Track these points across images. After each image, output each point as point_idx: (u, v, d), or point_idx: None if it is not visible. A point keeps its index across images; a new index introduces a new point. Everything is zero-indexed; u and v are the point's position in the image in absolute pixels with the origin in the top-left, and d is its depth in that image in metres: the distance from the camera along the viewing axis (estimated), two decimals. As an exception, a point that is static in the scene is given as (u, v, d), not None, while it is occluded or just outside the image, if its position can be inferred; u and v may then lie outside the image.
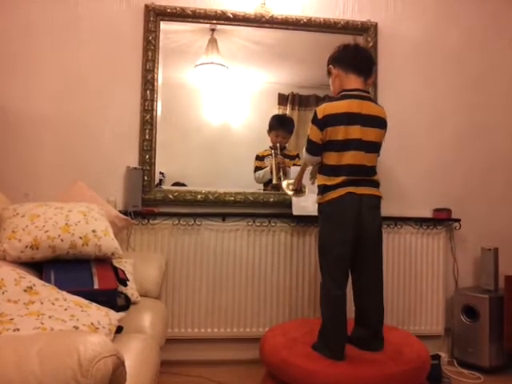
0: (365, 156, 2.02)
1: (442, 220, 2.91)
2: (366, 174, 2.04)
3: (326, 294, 2.03)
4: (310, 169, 2.36)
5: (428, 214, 2.94)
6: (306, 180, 2.43)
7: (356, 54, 2.14)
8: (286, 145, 2.98)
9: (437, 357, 2.53)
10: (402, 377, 1.90)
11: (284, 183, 2.54)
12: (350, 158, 2.00)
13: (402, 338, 2.21)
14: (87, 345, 0.86)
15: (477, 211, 3.02)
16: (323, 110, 2.04)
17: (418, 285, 2.88)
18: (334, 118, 2.01)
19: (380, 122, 2.08)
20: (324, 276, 2.05)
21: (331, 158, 2.04)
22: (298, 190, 2.48)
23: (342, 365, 1.92)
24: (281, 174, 2.88)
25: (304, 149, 2.16)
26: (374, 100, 2.13)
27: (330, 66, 2.17)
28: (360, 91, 2.07)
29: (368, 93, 2.12)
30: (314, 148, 2.09)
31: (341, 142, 2.00)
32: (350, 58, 2.12)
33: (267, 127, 2.95)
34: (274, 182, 2.88)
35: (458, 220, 2.92)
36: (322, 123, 2.02)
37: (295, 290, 2.77)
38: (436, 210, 2.93)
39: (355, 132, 2.00)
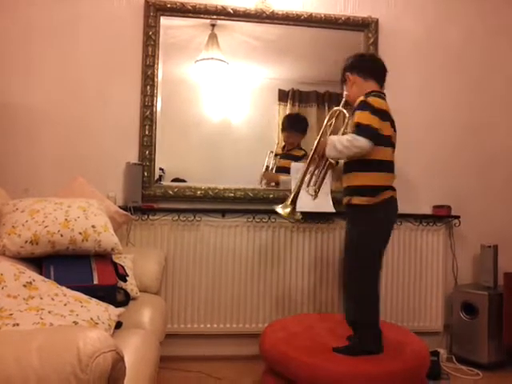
0: (392, 154, 2.10)
1: (441, 217, 2.91)
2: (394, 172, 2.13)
3: (372, 288, 2.05)
4: (329, 172, 2.27)
5: (428, 210, 2.94)
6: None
7: (374, 63, 2.21)
8: (301, 145, 2.96)
9: (436, 353, 2.54)
10: (401, 374, 1.91)
11: (279, 208, 2.09)
12: (390, 154, 2.07)
13: (402, 335, 2.22)
14: (87, 340, 0.86)
15: (476, 208, 3.02)
16: (377, 102, 2.01)
17: (418, 281, 2.88)
18: (384, 112, 2.04)
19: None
20: (366, 273, 2.04)
21: (382, 153, 2.04)
22: (294, 210, 2.10)
23: (342, 360, 1.92)
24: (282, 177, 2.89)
25: (362, 138, 1.94)
26: None
27: (348, 73, 2.18)
28: (383, 93, 2.13)
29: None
30: (376, 136, 1.97)
31: (386, 137, 2.04)
32: (368, 67, 2.17)
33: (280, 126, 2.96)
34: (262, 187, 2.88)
35: (458, 217, 2.93)
36: (379, 113, 1.99)
37: (295, 285, 2.78)
38: (436, 207, 2.93)
39: (390, 130, 2.07)
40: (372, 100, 2.02)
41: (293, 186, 2.73)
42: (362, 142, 1.95)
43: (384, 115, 2.02)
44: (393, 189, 2.07)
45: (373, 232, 2.04)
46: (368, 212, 2.02)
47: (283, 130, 2.95)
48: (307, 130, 2.97)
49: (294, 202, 2.06)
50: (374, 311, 2.05)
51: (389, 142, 2.06)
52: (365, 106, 2.01)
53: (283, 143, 2.96)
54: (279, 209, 2.07)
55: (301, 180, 2.11)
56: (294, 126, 2.97)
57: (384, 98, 2.09)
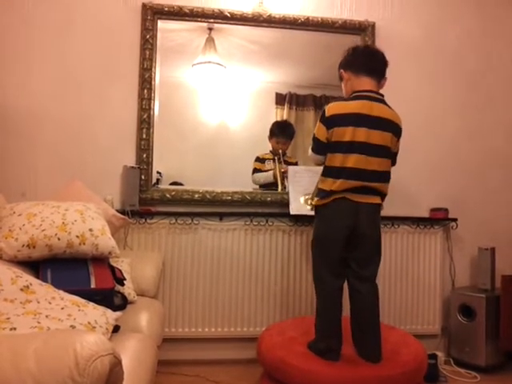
0: (369, 160, 1.96)
1: (438, 220, 2.91)
2: (367, 179, 1.97)
3: (320, 283, 2.05)
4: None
5: (425, 213, 2.95)
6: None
7: (366, 55, 2.10)
8: (287, 151, 2.98)
9: (434, 356, 2.54)
10: (399, 378, 1.90)
11: (302, 199, 2.49)
12: (352, 161, 1.95)
13: (400, 338, 2.21)
14: (84, 344, 0.86)
15: (474, 211, 3.02)
16: (332, 108, 2.01)
17: (415, 284, 2.89)
18: (341, 117, 1.98)
19: (389, 126, 2.02)
20: (316, 267, 2.07)
21: (335, 160, 1.99)
22: None
23: (339, 365, 1.92)
24: (285, 182, 2.87)
25: (310, 147, 2.13)
26: (386, 103, 2.06)
27: (341, 71, 2.14)
28: (372, 92, 2.03)
29: (381, 95, 2.06)
30: (319, 146, 2.06)
31: (347, 143, 1.96)
32: (360, 61, 2.08)
33: (268, 133, 2.95)
34: (280, 190, 2.88)
35: (455, 219, 2.93)
36: (329, 122, 2.00)
37: (292, 289, 2.77)
38: (433, 210, 2.94)
39: (361, 134, 1.95)
40: (328, 107, 2.03)
41: (290, 190, 2.75)
42: (309, 153, 2.16)
43: (341, 120, 1.97)
44: (344, 191, 1.96)
45: (319, 229, 2.06)
46: (319, 211, 2.07)
47: (271, 136, 2.96)
48: (293, 137, 2.99)
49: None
50: (321, 320, 2.03)
51: (344, 148, 1.96)
52: (321, 113, 2.06)
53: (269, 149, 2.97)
54: (302, 201, 2.50)
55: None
56: (283, 133, 2.98)
57: (363, 98, 1.99)
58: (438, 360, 2.57)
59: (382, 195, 2.06)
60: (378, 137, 1.98)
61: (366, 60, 2.08)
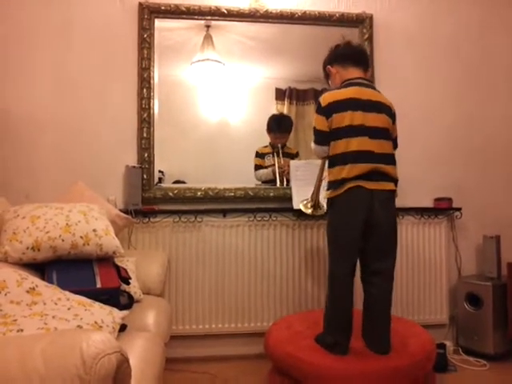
0: (371, 142, 1.96)
1: (442, 209, 2.91)
2: (374, 161, 1.95)
3: (332, 275, 2.01)
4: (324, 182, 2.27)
5: (429, 203, 2.94)
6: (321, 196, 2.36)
7: (350, 48, 2.16)
8: (287, 143, 2.98)
9: (442, 346, 2.54)
10: (408, 369, 1.90)
11: (301, 205, 2.42)
12: (355, 144, 1.95)
13: (408, 328, 2.21)
14: (90, 342, 0.86)
15: (478, 199, 3.01)
16: (327, 97, 2.03)
17: (421, 275, 2.88)
18: (338, 104, 1.99)
19: (383, 108, 2.03)
20: (331, 260, 2.03)
21: (338, 147, 1.98)
22: (316, 206, 2.38)
23: (347, 359, 1.91)
24: (285, 176, 2.88)
25: (312, 142, 2.11)
26: (375, 88, 2.11)
27: (328, 67, 2.17)
28: (361, 79, 2.07)
29: (370, 81, 2.09)
30: (321, 137, 2.05)
31: (346, 128, 1.97)
32: (345, 54, 2.13)
33: (266, 127, 2.95)
34: (279, 185, 2.88)
35: (459, 209, 2.92)
36: (326, 110, 2.00)
37: (298, 283, 2.77)
38: (437, 200, 2.93)
39: (358, 118, 1.97)
40: (323, 97, 2.04)
41: (293, 184, 2.75)
42: (312, 147, 2.13)
43: (338, 106, 1.98)
44: (356, 179, 1.93)
45: (334, 222, 2.03)
46: (331, 204, 2.03)
47: (269, 130, 2.95)
48: (291, 130, 2.99)
49: (313, 206, 2.37)
50: (330, 313, 2.01)
51: (344, 133, 1.97)
52: (317, 105, 2.06)
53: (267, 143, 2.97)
54: (302, 207, 2.41)
55: (318, 184, 2.32)
56: (280, 127, 2.97)
57: (354, 85, 2.02)
58: (446, 349, 2.57)
59: (395, 180, 2.04)
60: (374, 119, 1.99)
61: (351, 52, 2.14)
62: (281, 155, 2.92)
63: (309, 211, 2.39)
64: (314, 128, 2.08)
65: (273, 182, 2.91)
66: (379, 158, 1.97)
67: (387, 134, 2.04)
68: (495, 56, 3.09)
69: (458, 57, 3.05)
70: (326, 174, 2.18)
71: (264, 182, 2.93)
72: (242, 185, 2.82)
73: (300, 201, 2.46)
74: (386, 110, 2.05)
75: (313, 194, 2.37)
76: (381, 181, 1.97)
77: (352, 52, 2.14)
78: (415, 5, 3.01)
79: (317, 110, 2.06)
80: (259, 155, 2.95)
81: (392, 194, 2.03)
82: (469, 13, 3.06)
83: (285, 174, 2.88)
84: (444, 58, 3.04)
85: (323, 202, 2.28)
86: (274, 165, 2.91)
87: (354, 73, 2.09)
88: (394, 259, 2.04)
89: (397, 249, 2.05)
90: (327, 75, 2.20)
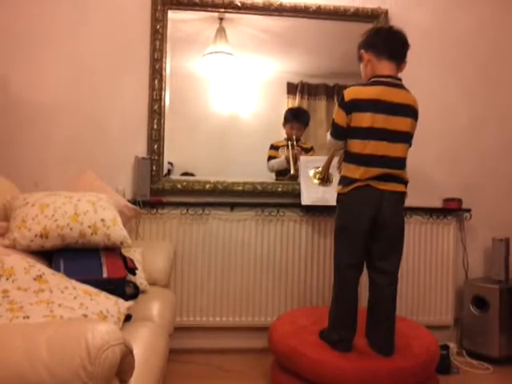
0: (388, 146, 1.93)
1: (452, 210, 2.88)
2: (388, 166, 1.93)
3: (337, 267, 2.01)
4: (336, 158, 2.29)
5: (438, 204, 2.92)
6: (332, 169, 2.38)
7: (390, 37, 2.03)
8: (301, 137, 2.97)
9: (446, 347, 2.53)
10: (411, 369, 1.90)
11: (311, 172, 2.46)
12: (371, 147, 1.92)
13: (412, 329, 2.20)
14: (95, 333, 0.87)
15: (487, 201, 2.98)
16: (351, 93, 1.97)
17: (428, 275, 2.87)
18: (360, 103, 1.94)
19: (409, 111, 1.98)
20: (337, 257, 2.03)
21: (355, 146, 1.96)
22: (325, 180, 2.44)
23: (350, 356, 1.91)
24: (298, 165, 2.84)
25: (328, 132, 2.09)
26: (405, 87, 2.02)
27: (362, 51, 2.07)
28: (392, 78, 1.98)
29: (400, 80, 2.01)
30: (338, 131, 2.02)
31: (365, 129, 1.93)
32: (383, 43, 2.00)
33: (282, 120, 2.95)
34: (292, 172, 2.87)
35: (469, 210, 2.90)
36: (348, 107, 1.95)
37: (303, 279, 2.77)
38: (446, 200, 2.91)
39: (380, 121, 1.92)
40: (347, 91, 1.98)
41: (302, 180, 2.75)
42: (328, 138, 2.11)
43: (359, 105, 1.93)
44: (368, 179, 1.93)
45: (342, 216, 2.02)
46: (340, 199, 2.03)
47: (286, 122, 2.95)
48: (308, 124, 2.98)
49: (321, 179, 2.48)
50: (335, 309, 2.01)
51: (362, 134, 1.94)
52: (340, 97, 2.02)
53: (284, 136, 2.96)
54: (311, 175, 2.51)
55: (330, 159, 2.38)
56: (297, 118, 2.96)
57: (383, 84, 1.95)
58: (449, 351, 2.56)
59: (405, 182, 2.02)
60: (397, 123, 1.95)
61: (389, 43, 2.01)
62: (295, 142, 2.91)
63: (315, 181, 2.45)
64: (333, 120, 2.03)
65: (285, 172, 2.90)
66: (394, 162, 1.95)
67: (407, 138, 2.01)
68: (510, 52, 3.05)
69: (473, 53, 3.01)
70: (339, 157, 2.21)
71: (276, 171, 2.92)
72: (251, 179, 2.81)
73: (314, 169, 2.52)
74: (413, 112, 2.00)
75: (323, 167, 2.42)
76: (392, 182, 1.96)
77: (391, 43, 2.01)
78: (430, 0, 2.97)
79: (339, 103, 2.00)
80: (274, 147, 2.94)
81: (402, 195, 2.01)
82: (485, 9, 3.01)
83: (298, 158, 2.86)
84: (459, 54, 3.00)
85: (332, 175, 2.41)
86: (287, 154, 2.90)
87: (385, 68, 1.99)
88: (398, 260, 2.03)
89: (403, 250, 2.04)
90: (360, 58, 2.10)
